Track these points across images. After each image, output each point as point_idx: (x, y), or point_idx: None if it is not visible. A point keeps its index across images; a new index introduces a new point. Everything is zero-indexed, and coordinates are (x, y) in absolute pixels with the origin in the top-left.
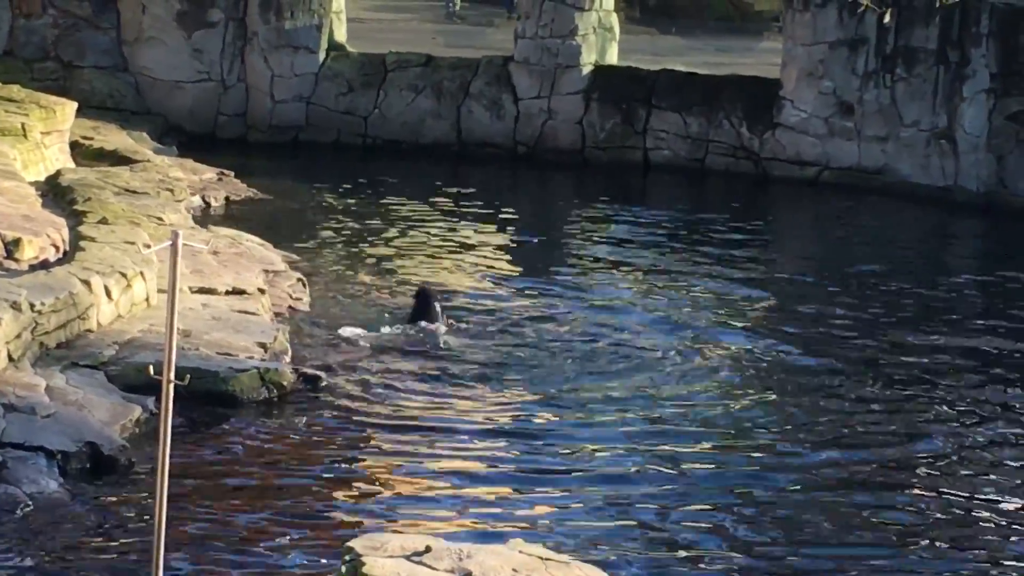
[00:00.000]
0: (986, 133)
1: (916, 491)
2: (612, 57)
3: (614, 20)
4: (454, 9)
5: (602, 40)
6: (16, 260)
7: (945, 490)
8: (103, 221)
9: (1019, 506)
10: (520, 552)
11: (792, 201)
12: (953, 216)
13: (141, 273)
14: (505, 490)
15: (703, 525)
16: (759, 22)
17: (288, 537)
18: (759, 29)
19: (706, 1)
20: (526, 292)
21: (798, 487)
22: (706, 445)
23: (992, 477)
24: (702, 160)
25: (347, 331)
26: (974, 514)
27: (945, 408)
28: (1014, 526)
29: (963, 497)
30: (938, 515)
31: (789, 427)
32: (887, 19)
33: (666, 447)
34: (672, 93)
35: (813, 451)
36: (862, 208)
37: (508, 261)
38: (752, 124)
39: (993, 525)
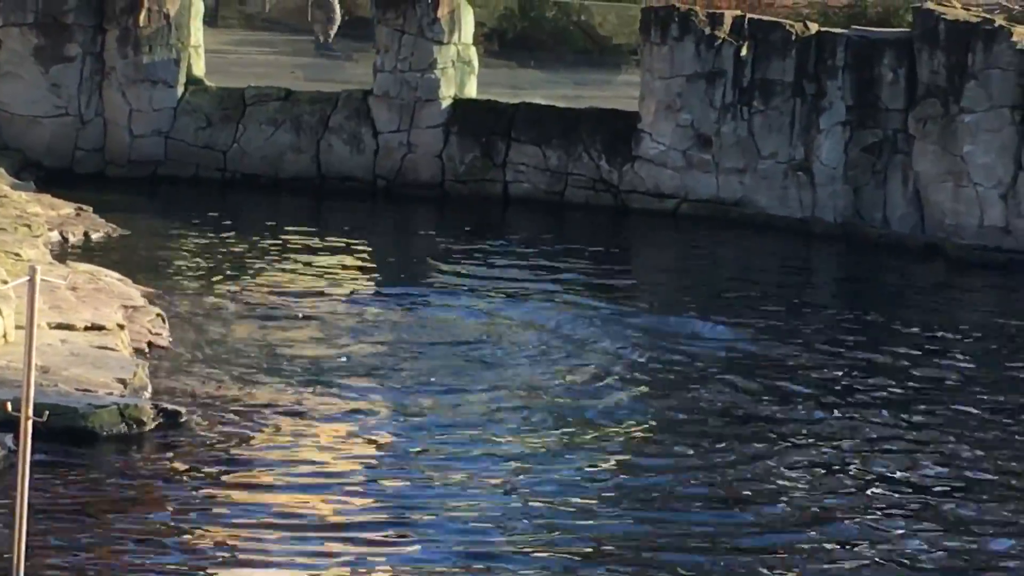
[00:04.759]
0: (842, 164)
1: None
2: (471, 90)
3: (473, 53)
4: (328, 42)
5: (461, 73)
6: None
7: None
8: None
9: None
10: None
11: (651, 233)
12: (811, 247)
13: None
14: (371, 535)
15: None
16: (617, 55)
17: None
18: (617, 62)
19: (564, 35)
20: (388, 325)
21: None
22: (563, 481)
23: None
24: (562, 193)
25: None
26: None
27: (798, 434)
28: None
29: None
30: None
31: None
32: (744, 52)
33: (541, 488)
34: (531, 126)
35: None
36: (721, 240)
37: (369, 295)
38: (611, 157)
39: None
